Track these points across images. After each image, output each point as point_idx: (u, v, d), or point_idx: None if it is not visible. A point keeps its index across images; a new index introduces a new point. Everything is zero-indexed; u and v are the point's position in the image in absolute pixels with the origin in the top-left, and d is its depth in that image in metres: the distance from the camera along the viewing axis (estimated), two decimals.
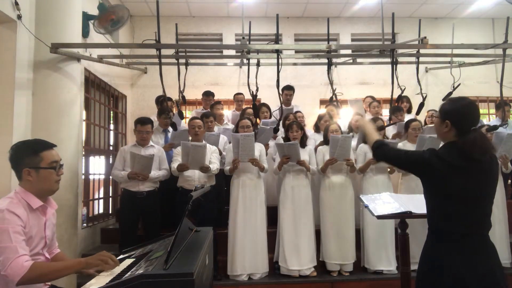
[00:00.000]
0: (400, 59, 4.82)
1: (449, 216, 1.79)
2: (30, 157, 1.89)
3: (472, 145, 1.75)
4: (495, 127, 4.25)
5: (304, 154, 4.03)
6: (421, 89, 4.57)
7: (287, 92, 5.34)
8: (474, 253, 1.74)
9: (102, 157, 5.48)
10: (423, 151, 1.91)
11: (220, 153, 4.31)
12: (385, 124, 4.29)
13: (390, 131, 4.89)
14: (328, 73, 5.04)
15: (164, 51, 4.49)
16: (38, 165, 1.88)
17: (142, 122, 3.93)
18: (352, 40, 6.95)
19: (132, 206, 3.85)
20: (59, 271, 1.77)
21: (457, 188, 1.77)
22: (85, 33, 4.39)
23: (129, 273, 1.71)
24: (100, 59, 4.78)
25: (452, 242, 1.78)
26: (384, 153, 2.02)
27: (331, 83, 5.04)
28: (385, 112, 6.36)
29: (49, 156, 1.93)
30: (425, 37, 4.50)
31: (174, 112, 4.79)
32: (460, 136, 1.81)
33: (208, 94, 5.70)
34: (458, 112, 1.83)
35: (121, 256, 2.19)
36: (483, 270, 1.73)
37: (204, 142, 3.92)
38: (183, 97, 4.97)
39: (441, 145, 1.94)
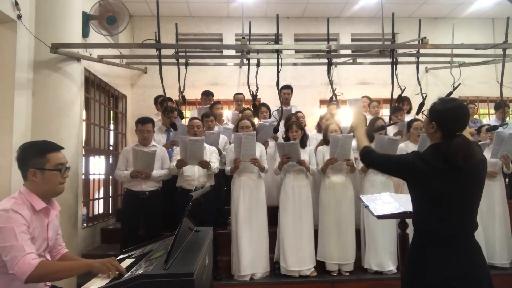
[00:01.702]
0: (400, 59, 4.82)
1: (434, 218, 1.80)
2: (37, 158, 1.89)
3: (455, 153, 1.72)
4: (495, 127, 4.25)
5: (304, 154, 4.03)
6: (421, 89, 4.57)
7: (285, 90, 5.37)
8: (459, 254, 1.74)
9: (102, 157, 5.48)
10: (407, 154, 1.91)
11: (220, 153, 4.31)
12: (385, 124, 4.29)
13: (390, 131, 4.89)
14: (328, 73, 5.04)
15: (164, 51, 4.49)
16: (43, 167, 1.89)
17: (143, 121, 3.94)
18: (352, 40, 6.95)
19: (134, 206, 3.85)
20: (66, 270, 1.77)
21: (441, 190, 1.77)
22: (85, 33, 4.39)
23: (129, 273, 1.71)
24: (100, 59, 4.78)
25: (438, 243, 1.78)
26: (372, 159, 2.02)
27: (331, 83, 5.03)
28: (385, 112, 6.37)
29: (55, 158, 1.93)
30: (425, 37, 4.50)
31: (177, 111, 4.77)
32: (446, 139, 1.79)
33: (207, 94, 5.71)
34: (445, 115, 1.81)
35: (121, 256, 2.19)
36: (468, 271, 1.73)
37: (202, 136, 3.91)
38: (183, 97, 4.98)
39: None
